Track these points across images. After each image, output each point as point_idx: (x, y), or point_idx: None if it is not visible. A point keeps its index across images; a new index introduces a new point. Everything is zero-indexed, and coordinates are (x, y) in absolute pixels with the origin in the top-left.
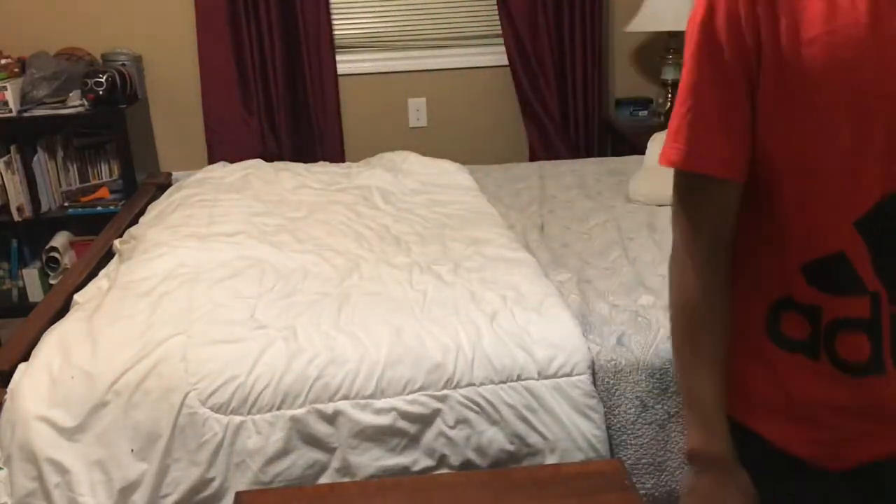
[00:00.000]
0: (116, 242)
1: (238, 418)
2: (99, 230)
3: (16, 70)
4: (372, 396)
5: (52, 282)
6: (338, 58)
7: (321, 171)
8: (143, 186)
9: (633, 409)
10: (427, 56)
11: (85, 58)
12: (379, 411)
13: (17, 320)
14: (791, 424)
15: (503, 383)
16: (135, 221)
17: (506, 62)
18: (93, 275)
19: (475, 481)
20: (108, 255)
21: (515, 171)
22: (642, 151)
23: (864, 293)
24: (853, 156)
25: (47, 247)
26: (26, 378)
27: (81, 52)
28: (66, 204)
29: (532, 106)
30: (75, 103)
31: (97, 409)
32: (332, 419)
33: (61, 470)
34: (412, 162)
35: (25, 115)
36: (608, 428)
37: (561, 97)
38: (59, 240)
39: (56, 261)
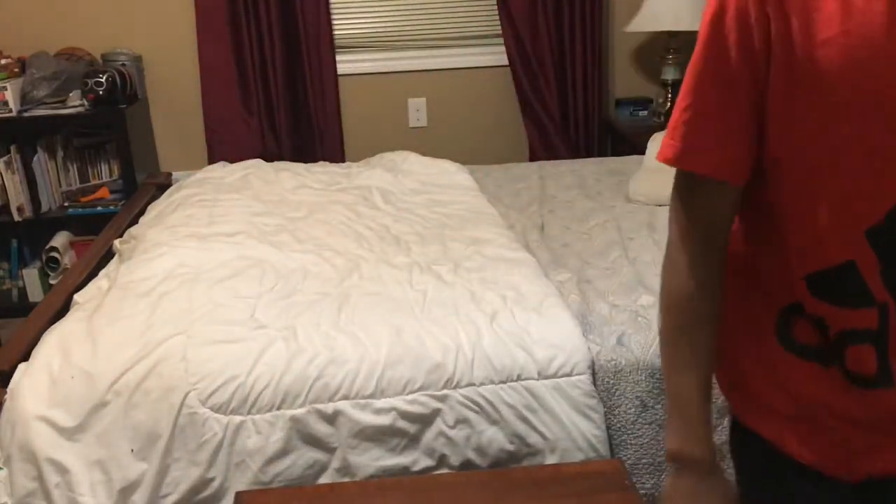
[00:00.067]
0: (116, 242)
1: (238, 418)
2: (99, 230)
3: (16, 70)
4: (372, 396)
5: (52, 282)
6: (338, 58)
7: (321, 171)
8: (143, 186)
9: (633, 409)
10: (427, 56)
11: (85, 58)
12: (379, 411)
13: (17, 320)
14: (798, 430)
15: (503, 383)
16: (135, 221)
17: (506, 62)
18: (93, 275)
19: (475, 481)
20: (108, 255)
21: (515, 171)
22: (642, 151)
23: (871, 304)
24: (867, 161)
25: (47, 247)
26: (26, 378)
27: (81, 52)
28: (66, 204)
29: (532, 106)
30: (75, 103)
31: (97, 409)
32: (332, 419)
33: (61, 470)
34: (412, 162)
35: (25, 115)
36: (608, 428)
37: (561, 97)
38: (59, 240)
39: (56, 261)
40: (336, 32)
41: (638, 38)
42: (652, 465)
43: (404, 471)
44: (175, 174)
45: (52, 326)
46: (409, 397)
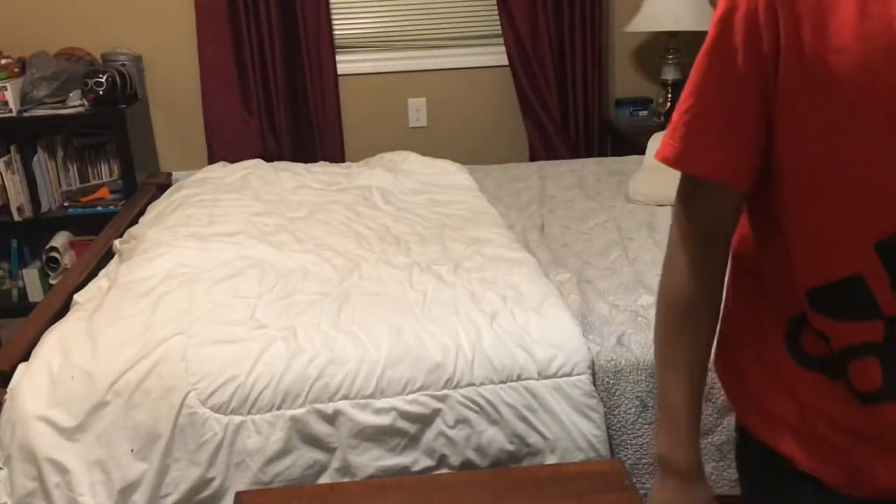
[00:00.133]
0: (116, 242)
1: (238, 418)
2: (99, 230)
3: (16, 70)
4: (372, 396)
5: (52, 282)
6: (338, 58)
7: (321, 171)
8: (143, 186)
9: (633, 409)
10: (427, 56)
11: (85, 58)
12: (379, 411)
13: (17, 320)
14: (801, 440)
15: (503, 383)
16: (135, 221)
17: (506, 62)
18: (93, 275)
19: (475, 481)
20: (108, 255)
21: (515, 171)
22: (642, 151)
23: (877, 317)
24: (880, 172)
25: (47, 247)
26: (26, 378)
27: (81, 52)
28: (66, 204)
29: (532, 106)
30: (75, 103)
31: (97, 409)
32: (332, 419)
33: (61, 470)
34: (412, 162)
35: (25, 115)
36: (608, 428)
37: (561, 97)
38: (59, 240)
39: (56, 261)
40: (336, 32)
41: (638, 38)
42: (652, 465)
43: (404, 471)
44: (175, 174)
45: (52, 326)
46: (409, 397)
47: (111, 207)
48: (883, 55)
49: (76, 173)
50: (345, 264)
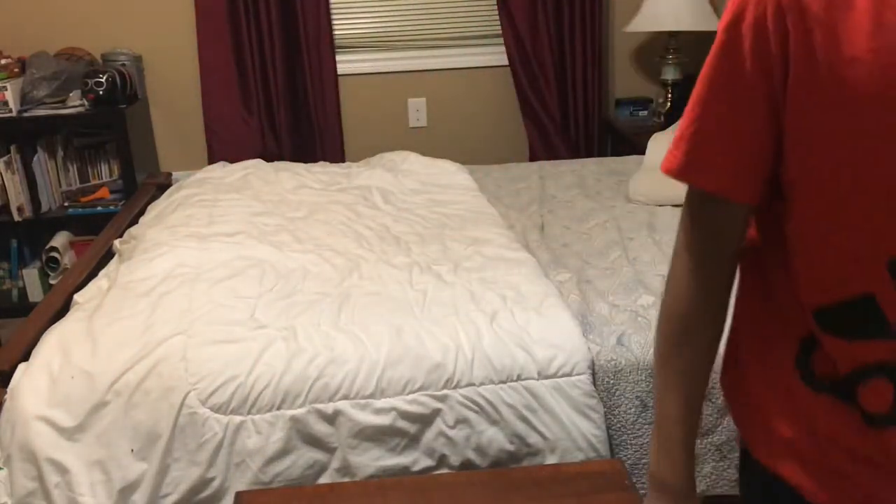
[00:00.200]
0: (116, 242)
1: (238, 418)
2: (99, 230)
3: (16, 70)
4: (372, 396)
5: (52, 282)
6: (338, 58)
7: (321, 171)
8: (143, 186)
9: (633, 409)
10: (427, 56)
11: (85, 58)
12: (379, 411)
13: (17, 320)
14: (808, 466)
15: (503, 383)
16: (135, 221)
17: (506, 62)
18: (93, 275)
19: (475, 481)
20: (108, 255)
21: (515, 171)
22: (642, 151)
23: (889, 337)
24: (894, 189)
25: (47, 247)
26: (26, 378)
27: (81, 52)
28: (66, 204)
29: (532, 106)
30: (75, 103)
31: (97, 408)
32: (332, 419)
33: (61, 470)
34: (412, 162)
35: (25, 115)
36: (608, 428)
37: (561, 97)
38: (59, 240)
39: (56, 261)
40: (336, 32)
41: (638, 38)
42: None
43: (404, 471)
44: (175, 174)
45: (52, 326)
46: (409, 397)
47: (111, 207)
48: None
49: (76, 173)
50: (345, 264)
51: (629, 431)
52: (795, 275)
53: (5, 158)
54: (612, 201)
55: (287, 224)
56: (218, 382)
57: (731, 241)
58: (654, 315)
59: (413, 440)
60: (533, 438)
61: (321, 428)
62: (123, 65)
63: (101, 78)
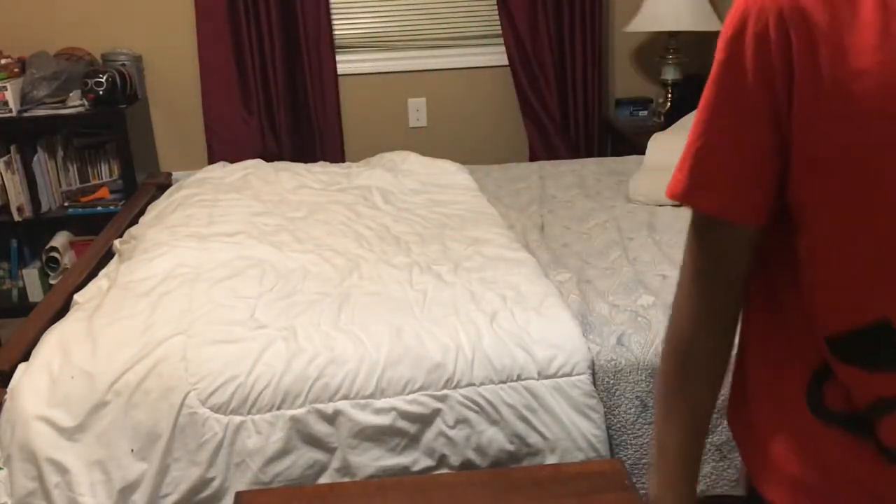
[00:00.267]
0: (116, 242)
1: (238, 418)
2: (99, 230)
3: (16, 70)
4: (372, 396)
5: (52, 282)
6: (338, 58)
7: (321, 171)
8: (143, 186)
9: (633, 409)
10: (427, 56)
11: (85, 58)
12: (379, 411)
13: (17, 320)
14: None
15: (503, 383)
16: (135, 221)
17: (506, 62)
18: (93, 275)
19: (475, 481)
20: (108, 255)
21: (515, 171)
22: (642, 151)
23: None
24: None
25: (47, 247)
26: (26, 378)
27: (81, 52)
28: (66, 204)
29: (532, 106)
30: (75, 103)
31: (97, 408)
32: (332, 419)
33: (61, 470)
34: (412, 162)
35: (25, 115)
36: (608, 428)
37: (561, 97)
38: (59, 240)
39: (56, 261)
40: (336, 32)
41: (638, 38)
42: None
43: (404, 471)
44: (175, 174)
45: (52, 326)
46: (409, 397)
47: (111, 207)
48: None
49: (76, 173)
50: (345, 264)
51: (629, 431)
52: (807, 299)
53: (5, 158)
54: (612, 201)
55: (287, 224)
56: (218, 382)
57: (739, 267)
58: (654, 315)
59: (413, 440)
60: (533, 438)
61: (321, 428)
62: (123, 65)
63: (101, 78)
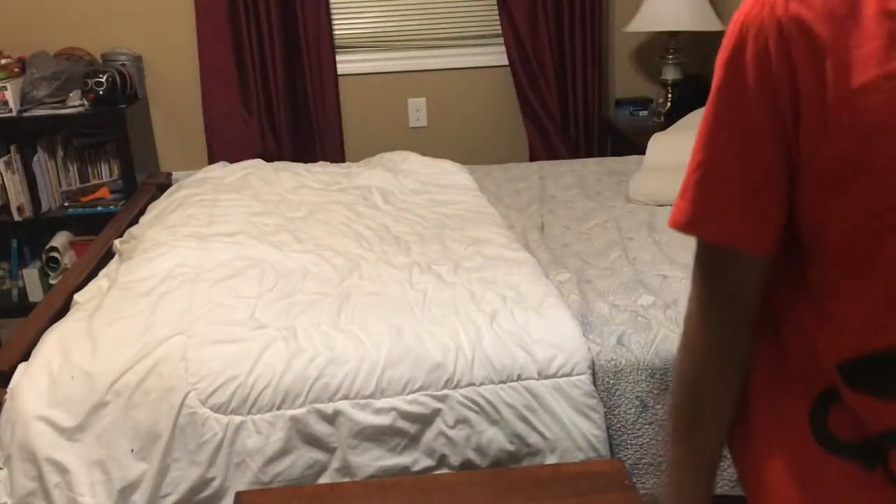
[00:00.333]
0: (116, 242)
1: (238, 418)
2: (99, 230)
3: (16, 70)
4: (372, 396)
5: (52, 282)
6: (338, 58)
7: (321, 171)
8: (143, 186)
9: (633, 409)
10: (427, 56)
11: (85, 58)
12: (379, 411)
13: (17, 320)
14: None
15: (503, 383)
16: (135, 221)
17: (506, 62)
18: (93, 275)
19: (475, 481)
20: (108, 255)
21: (515, 171)
22: (642, 151)
23: None
24: None
25: (47, 247)
26: (26, 378)
27: (81, 52)
28: (66, 204)
29: (532, 106)
30: (75, 103)
31: (97, 408)
32: (332, 419)
33: (61, 470)
34: (412, 162)
35: (25, 115)
36: (608, 428)
37: (561, 97)
38: (59, 240)
39: (56, 261)
40: (336, 32)
41: (638, 38)
42: (652, 465)
43: (404, 471)
44: (175, 174)
45: (52, 326)
46: (409, 397)
47: (111, 207)
48: None
49: (76, 173)
50: (345, 264)
51: (629, 431)
52: (816, 324)
53: (5, 158)
54: (612, 201)
55: (287, 224)
56: (218, 382)
57: (749, 300)
58: (654, 315)
59: (413, 440)
60: (533, 438)
61: (321, 428)
62: (123, 65)
63: (101, 78)
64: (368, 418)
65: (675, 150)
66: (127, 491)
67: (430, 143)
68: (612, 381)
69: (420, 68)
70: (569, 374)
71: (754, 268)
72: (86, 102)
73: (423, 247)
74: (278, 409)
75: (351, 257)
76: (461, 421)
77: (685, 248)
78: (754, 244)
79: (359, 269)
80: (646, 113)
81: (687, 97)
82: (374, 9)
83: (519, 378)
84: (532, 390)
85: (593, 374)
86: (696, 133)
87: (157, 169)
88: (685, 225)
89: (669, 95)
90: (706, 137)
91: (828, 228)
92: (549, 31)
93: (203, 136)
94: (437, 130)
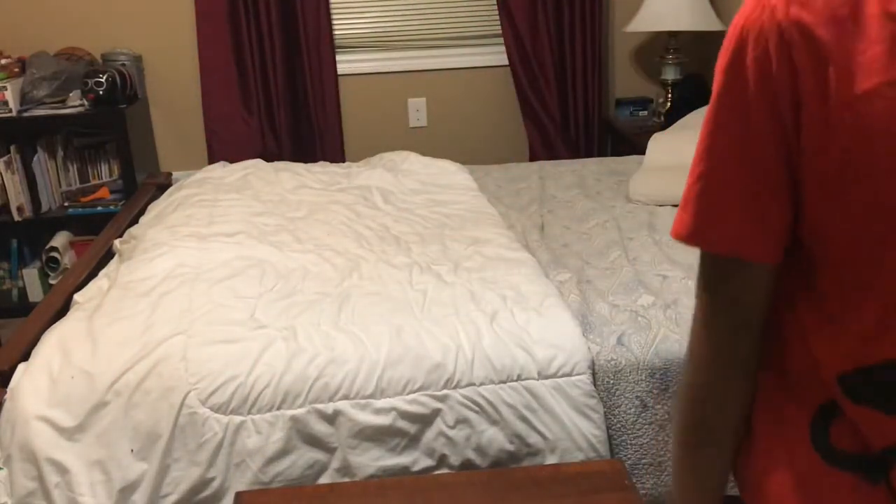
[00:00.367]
0: (116, 242)
1: (238, 418)
2: (99, 230)
3: (16, 70)
4: (372, 396)
5: (52, 282)
6: (338, 58)
7: (321, 171)
8: (143, 186)
9: (633, 409)
10: (427, 56)
11: (85, 58)
12: (379, 411)
13: (17, 320)
14: None
15: (503, 383)
16: (135, 221)
17: (506, 62)
18: (93, 275)
19: (475, 481)
20: (108, 255)
21: (515, 171)
22: (642, 151)
23: None
24: None
25: (47, 247)
26: (26, 378)
27: (81, 52)
28: (66, 204)
29: (532, 106)
30: (75, 103)
31: (97, 409)
32: (332, 419)
33: (61, 470)
34: (412, 162)
35: (25, 115)
36: (608, 428)
37: (561, 97)
38: (59, 240)
39: (56, 261)
40: (336, 32)
41: (638, 38)
42: (652, 465)
43: (404, 471)
44: (175, 174)
45: (52, 326)
46: (409, 397)
47: (111, 207)
48: None
49: (76, 173)
50: (345, 264)
51: (629, 431)
52: (817, 332)
53: (5, 158)
54: (612, 201)
55: (287, 224)
56: (218, 382)
57: (755, 311)
58: (654, 315)
59: (413, 440)
60: (533, 438)
61: (321, 428)
62: (123, 65)
63: (101, 78)
64: (368, 418)
65: (675, 150)
66: (127, 491)
67: (430, 143)
68: (611, 381)
69: (420, 68)
70: (569, 374)
71: (758, 276)
72: (86, 102)
73: (423, 247)
74: (278, 409)
75: (351, 257)
76: (461, 421)
77: (685, 248)
78: (756, 251)
79: (359, 269)
80: (646, 113)
81: (687, 97)
82: (374, 9)
83: (519, 378)
84: (532, 390)
85: (593, 374)
86: (697, 141)
87: (157, 169)
88: (687, 237)
89: (669, 95)
90: (707, 144)
91: (831, 234)
92: (549, 31)
93: (203, 136)
94: (437, 130)
